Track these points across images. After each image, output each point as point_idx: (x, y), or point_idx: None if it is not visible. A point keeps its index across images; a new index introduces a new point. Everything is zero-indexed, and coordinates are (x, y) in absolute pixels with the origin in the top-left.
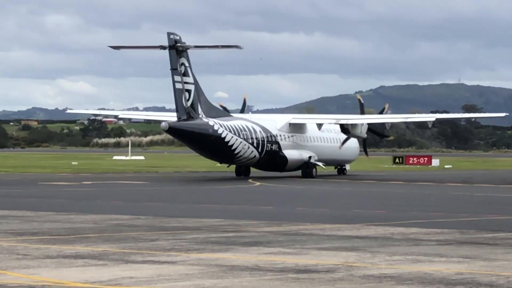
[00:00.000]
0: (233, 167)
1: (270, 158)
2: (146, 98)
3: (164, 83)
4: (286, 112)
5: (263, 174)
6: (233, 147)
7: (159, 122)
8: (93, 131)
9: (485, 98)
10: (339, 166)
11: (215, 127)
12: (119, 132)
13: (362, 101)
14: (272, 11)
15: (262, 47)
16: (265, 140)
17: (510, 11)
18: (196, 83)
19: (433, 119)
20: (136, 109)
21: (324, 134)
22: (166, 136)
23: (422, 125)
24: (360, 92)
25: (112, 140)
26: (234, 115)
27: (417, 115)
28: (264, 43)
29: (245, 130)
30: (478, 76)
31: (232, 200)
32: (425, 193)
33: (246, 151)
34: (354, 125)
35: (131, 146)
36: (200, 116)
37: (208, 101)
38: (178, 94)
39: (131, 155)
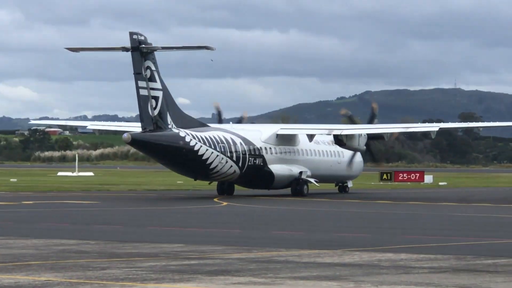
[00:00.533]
0: (214, 184)
1: (254, 173)
2: (96, 105)
3: (117, 87)
4: (257, 121)
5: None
6: (208, 162)
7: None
8: (34, 143)
9: (485, 105)
10: (340, 183)
11: (187, 139)
12: (65, 144)
13: (350, 114)
14: (242, 5)
15: (230, 46)
16: (247, 153)
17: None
18: (165, 89)
19: (437, 129)
20: (85, 117)
21: (321, 147)
22: (118, 149)
23: (414, 136)
24: (342, 98)
25: (56, 154)
26: (212, 125)
27: (419, 124)
28: (233, 42)
29: (222, 142)
30: (476, 80)
31: (195, 222)
32: (417, 214)
33: (223, 165)
34: (350, 136)
35: (79, 161)
36: (170, 126)
37: (180, 110)
38: (143, 101)
39: (78, 171)
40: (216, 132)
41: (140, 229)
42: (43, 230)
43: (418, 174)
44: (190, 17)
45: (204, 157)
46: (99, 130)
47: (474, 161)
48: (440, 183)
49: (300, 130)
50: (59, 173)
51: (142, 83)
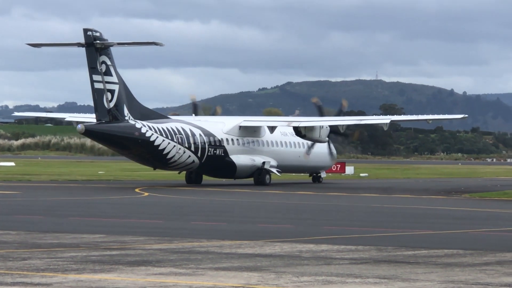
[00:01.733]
0: (183, 174)
1: (214, 164)
2: (17, 95)
3: (39, 77)
4: (179, 110)
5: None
6: (165, 152)
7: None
8: None
9: (406, 96)
10: (314, 173)
11: (143, 130)
12: None
13: (320, 103)
14: None
15: (151, 36)
16: (206, 144)
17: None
18: (121, 82)
19: (388, 121)
20: (6, 107)
21: (288, 138)
22: (39, 139)
23: (335, 129)
24: (264, 89)
25: None
26: (173, 117)
27: (371, 117)
28: (154, 32)
29: (180, 133)
30: (397, 72)
31: (116, 213)
32: (338, 205)
33: (181, 155)
34: (309, 128)
35: None
36: (127, 118)
37: (138, 102)
38: (97, 94)
39: None
40: (175, 123)
41: (61, 219)
42: None
43: (339, 165)
44: (112, 8)
45: (160, 148)
46: (76, 122)
47: (395, 152)
48: (361, 174)
49: (262, 122)
50: None
51: (97, 77)
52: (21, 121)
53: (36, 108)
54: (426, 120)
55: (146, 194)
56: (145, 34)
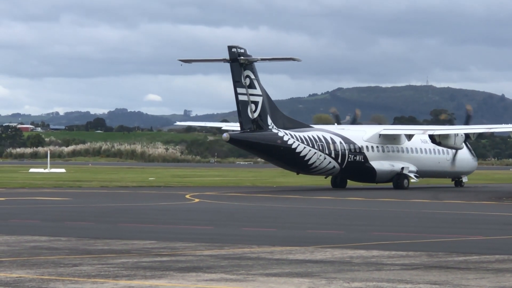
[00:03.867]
0: (329, 178)
1: (355, 169)
2: (67, 102)
3: (88, 83)
4: (227, 116)
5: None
6: (306, 158)
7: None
8: (6, 140)
9: (456, 102)
10: (456, 178)
11: (285, 138)
12: (37, 140)
13: (471, 113)
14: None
15: (198, 42)
16: (347, 151)
17: (480, 4)
18: (265, 95)
19: None
20: (57, 114)
21: (428, 145)
22: (90, 145)
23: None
24: (314, 95)
25: (28, 150)
26: (315, 126)
27: (498, 125)
28: (202, 38)
29: (321, 141)
30: (448, 77)
31: (167, 219)
32: (388, 211)
33: (322, 161)
34: (443, 136)
35: (50, 157)
36: (270, 127)
37: (281, 113)
38: (242, 105)
39: (50, 167)
40: (316, 132)
41: (111, 226)
42: (15, 227)
43: None
44: (160, 13)
45: (301, 154)
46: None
47: None
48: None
49: (400, 130)
50: (31, 170)
51: (241, 90)
52: (71, 127)
53: (86, 114)
54: None
55: (196, 200)
56: (192, 40)
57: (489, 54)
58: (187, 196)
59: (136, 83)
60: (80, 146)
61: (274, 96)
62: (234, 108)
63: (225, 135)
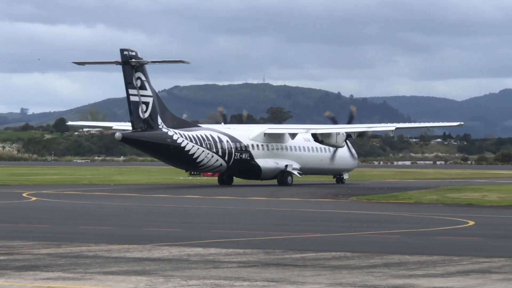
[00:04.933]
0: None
1: (241, 166)
2: None
3: None
4: (64, 114)
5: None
6: (195, 156)
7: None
8: None
9: (293, 99)
10: (338, 175)
11: (175, 137)
12: None
13: (333, 115)
14: (48, 0)
15: (37, 40)
16: (233, 149)
17: (317, 3)
18: (155, 95)
19: (393, 128)
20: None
21: (311, 144)
22: None
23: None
24: None
25: None
26: (203, 125)
27: (378, 125)
28: (39, 36)
29: (208, 140)
30: (284, 75)
31: (4, 218)
32: (225, 209)
33: (209, 159)
34: (326, 135)
35: None
36: (160, 126)
37: (171, 113)
38: (133, 106)
39: None
40: (203, 131)
41: None
42: None
43: None
44: None
45: (190, 152)
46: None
47: None
48: None
49: (284, 129)
50: None
51: (132, 91)
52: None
53: None
54: (427, 127)
55: (34, 198)
56: (31, 37)
57: (325, 52)
58: (24, 195)
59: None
60: None
61: (114, 94)
62: (71, 106)
63: (117, 134)
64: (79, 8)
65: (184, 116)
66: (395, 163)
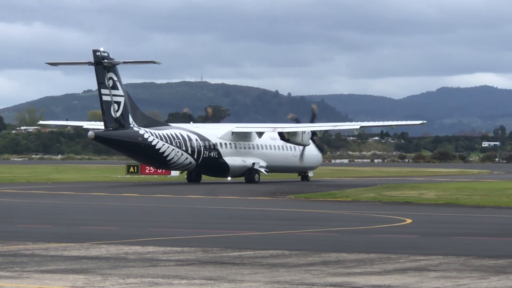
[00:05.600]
0: (185, 174)
1: (209, 164)
2: None
3: None
4: (3, 113)
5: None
6: (165, 154)
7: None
8: None
9: (231, 98)
10: (303, 172)
11: (145, 136)
12: None
13: (316, 112)
14: None
15: None
16: (202, 147)
17: (253, 1)
18: (126, 95)
19: (358, 127)
20: None
21: (277, 142)
22: None
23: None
24: (89, 91)
25: None
26: (172, 124)
27: (343, 123)
28: None
29: (178, 138)
30: (222, 74)
31: None
32: (164, 207)
33: (179, 157)
34: (292, 133)
35: None
36: (131, 125)
37: (142, 112)
38: (105, 105)
39: None
40: (174, 130)
41: None
42: None
43: None
44: None
45: (161, 151)
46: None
47: None
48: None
49: (251, 128)
50: None
51: (105, 91)
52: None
53: None
54: (391, 126)
55: None
56: None
57: (263, 50)
58: None
59: None
60: None
61: (48, 93)
62: (8, 104)
63: (90, 133)
64: (16, 6)
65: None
66: (333, 161)
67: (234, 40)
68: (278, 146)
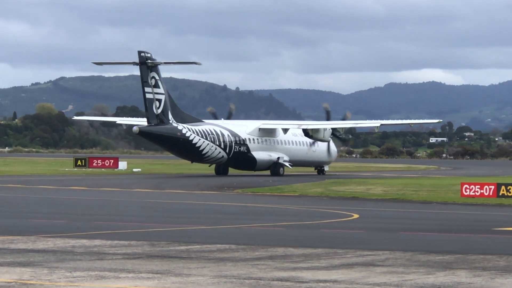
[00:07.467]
0: (213, 166)
1: (239, 158)
2: None
3: None
4: None
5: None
6: (200, 148)
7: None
8: None
9: (179, 92)
10: (318, 167)
11: (183, 131)
12: None
13: (329, 109)
14: None
15: None
16: (233, 142)
17: None
18: (167, 93)
19: (378, 124)
20: None
21: (298, 138)
22: None
23: (109, 123)
24: (37, 84)
25: None
26: (206, 121)
27: (364, 121)
28: None
29: (212, 134)
30: (170, 68)
31: None
32: (111, 200)
33: (213, 152)
34: (315, 130)
35: None
36: (171, 121)
37: (180, 109)
38: (148, 103)
39: None
40: (208, 126)
41: None
42: None
43: (112, 161)
44: None
45: (197, 145)
46: (125, 124)
47: None
48: (134, 170)
49: (277, 125)
50: None
51: (148, 89)
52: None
53: None
54: (409, 124)
55: None
56: None
57: (210, 44)
58: None
59: None
60: None
61: None
62: None
63: (135, 128)
64: None
65: (70, 108)
66: None
67: (181, 34)
68: (299, 142)
